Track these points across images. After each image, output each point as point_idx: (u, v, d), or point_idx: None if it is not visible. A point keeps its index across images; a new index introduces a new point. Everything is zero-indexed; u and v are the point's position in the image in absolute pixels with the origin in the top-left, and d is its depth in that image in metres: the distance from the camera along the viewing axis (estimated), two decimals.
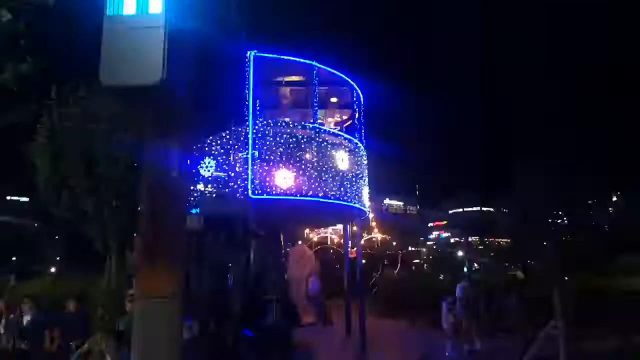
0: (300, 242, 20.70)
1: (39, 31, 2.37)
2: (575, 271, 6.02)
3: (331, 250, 23.64)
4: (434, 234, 76.94)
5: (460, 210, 79.39)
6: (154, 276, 2.13)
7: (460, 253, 48.28)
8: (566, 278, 5.90)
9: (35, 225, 42.43)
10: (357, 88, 11.82)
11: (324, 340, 11.54)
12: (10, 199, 48.69)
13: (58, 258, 35.27)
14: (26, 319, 7.41)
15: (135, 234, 3.96)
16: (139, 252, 2.21)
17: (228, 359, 8.38)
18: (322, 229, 19.97)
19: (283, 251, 13.35)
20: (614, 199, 35.52)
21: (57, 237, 37.35)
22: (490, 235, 61.17)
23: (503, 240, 51.21)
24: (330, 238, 21.87)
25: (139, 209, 4.59)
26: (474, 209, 74.82)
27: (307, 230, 20.18)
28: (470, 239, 68.66)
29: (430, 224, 78.11)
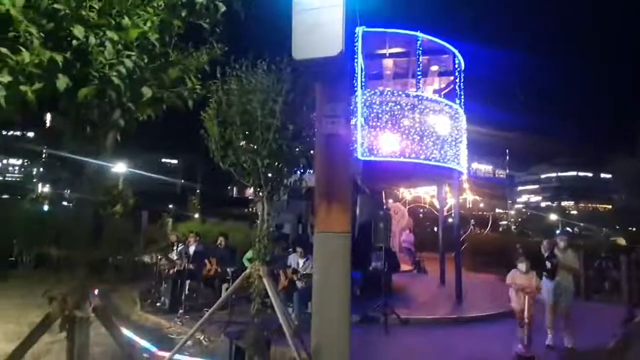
0: (392, 200, 20.59)
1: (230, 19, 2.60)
2: None
3: (423, 209, 23.11)
4: (523, 197, 70.21)
5: (554, 174, 70.59)
6: (329, 216, 2.36)
7: (552, 217, 43.52)
8: None
9: (182, 181, 49.30)
10: (459, 54, 10.91)
11: (422, 288, 11.61)
12: (164, 161, 56.45)
13: (199, 207, 40.51)
14: (192, 248, 8.71)
15: (280, 186, 4.34)
16: (318, 197, 2.45)
17: None
18: (415, 189, 19.50)
19: (385, 206, 13.49)
20: None
21: (198, 191, 42.97)
22: (587, 200, 53.76)
23: (601, 205, 44.68)
24: (423, 197, 21.30)
25: (281, 165, 5.02)
26: (570, 173, 65.85)
27: (401, 189, 19.93)
28: (563, 203, 61.20)
29: (519, 188, 71.26)
